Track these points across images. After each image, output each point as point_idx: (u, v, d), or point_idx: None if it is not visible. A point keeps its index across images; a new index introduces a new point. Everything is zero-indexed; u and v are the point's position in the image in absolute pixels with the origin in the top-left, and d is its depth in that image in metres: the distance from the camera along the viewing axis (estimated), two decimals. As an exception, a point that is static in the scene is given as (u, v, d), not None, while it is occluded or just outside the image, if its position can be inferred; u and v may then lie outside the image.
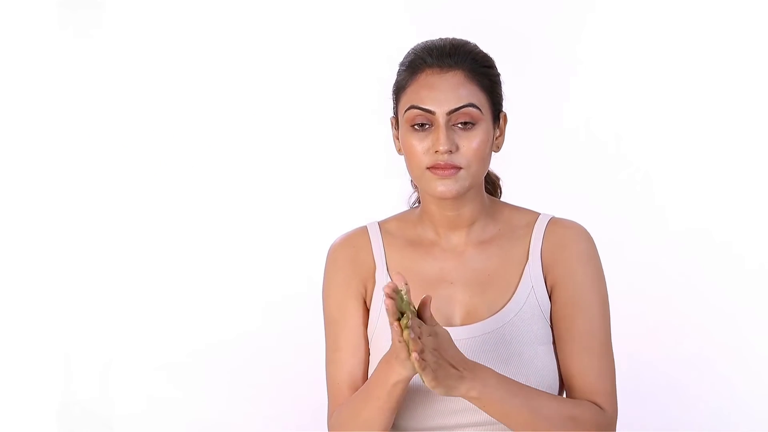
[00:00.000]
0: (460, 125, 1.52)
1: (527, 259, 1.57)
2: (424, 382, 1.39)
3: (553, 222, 1.59)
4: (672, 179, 2.56)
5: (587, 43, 2.60)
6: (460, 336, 1.52)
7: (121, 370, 2.65)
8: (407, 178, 1.64)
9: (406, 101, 1.54)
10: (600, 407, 1.51)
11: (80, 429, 2.63)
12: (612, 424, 1.50)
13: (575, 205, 2.10)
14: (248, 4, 2.66)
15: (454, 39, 1.56)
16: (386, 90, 1.62)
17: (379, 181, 2.43)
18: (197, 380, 2.64)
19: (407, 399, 1.52)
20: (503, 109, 1.58)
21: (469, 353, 1.50)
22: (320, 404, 1.68)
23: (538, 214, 1.61)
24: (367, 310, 1.60)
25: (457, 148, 1.51)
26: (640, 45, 2.58)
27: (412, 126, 1.53)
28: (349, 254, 1.61)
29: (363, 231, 1.63)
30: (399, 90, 1.56)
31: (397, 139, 1.58)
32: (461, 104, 1.51)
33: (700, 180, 2.56)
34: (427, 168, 1.52)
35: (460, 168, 1.51)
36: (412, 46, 1.58)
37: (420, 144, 1.52)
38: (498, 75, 1.57)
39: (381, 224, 1.64)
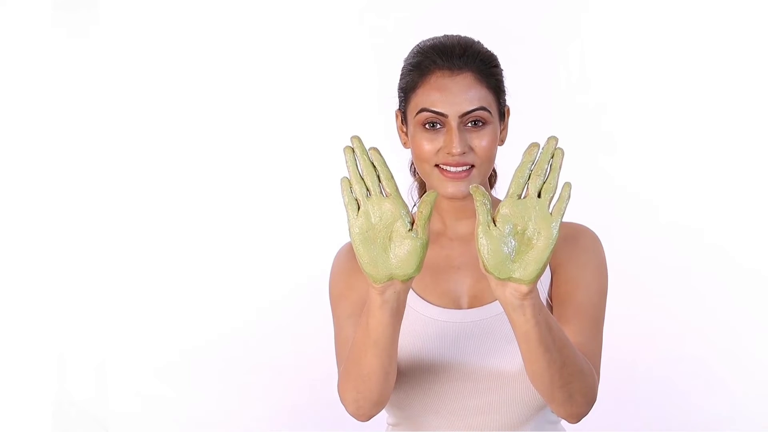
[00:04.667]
0: (470, 124, 1.53)
1: None
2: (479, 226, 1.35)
3: (561, 224, 1.57)
4: (669, 178, 2.56)
5: (581, 40, 2.60)
6: (468, 318, 1.54)
7: (116, 370, 2.63)
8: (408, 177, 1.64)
9: (416, 103, 1.55)
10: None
11: (75, 429, 2.62)
12: (595, 387, 1.49)
13: (571, 204, 2.11)
14: (244, 3, 2.66)
15: (460, 38, 1.57)
16: (387, 89, 1.63)
17: None
18: (192, 379, 2.62)
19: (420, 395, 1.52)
20: (507, 104, 1.59)
21: (476, 334, 1.53)
22: (316, 401, 1.68)
23: None
24: None
25: (470, 148, 1.52)
26: (634, 43, 2.58)
27: (423, 125, 1.54)
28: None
29: None
30: (408, 89, 1.57)
31: (403, 132, 1.59)
32: (473, 108, 1.52)
33: (697, 181, 2.55)
34: (437, 165, 1.53)
35: (473, 167, 1.52)
36: (417, 44, 1.58)
37: (431, 144, 1.53)
38: (502, 71, 1.58)
39: None
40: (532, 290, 1.36)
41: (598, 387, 1.50)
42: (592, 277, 1.56)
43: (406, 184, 1.64)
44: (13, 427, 2.58)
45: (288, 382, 2.56)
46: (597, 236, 1.60)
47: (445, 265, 1.59)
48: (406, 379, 1.54)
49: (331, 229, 1.89)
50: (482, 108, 1.52)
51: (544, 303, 1.53)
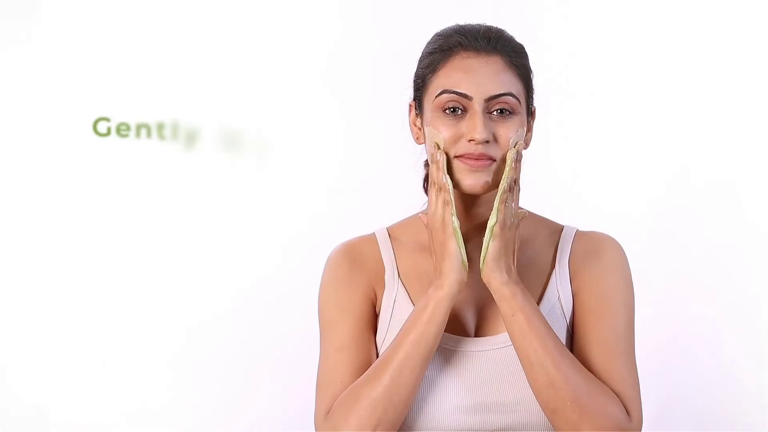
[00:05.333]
0: (496, 113, 1.42)
1: (552, 267, 1.51)
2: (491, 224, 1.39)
3: (581, 234, 1.53)
4: (670, 175, 2.56)
5: (578, 39, 2.60)
6: (481, 347, 1.47)
7: (115, 369, 2.61)
8: (408, 181, 1.60)
9: (437, 85, 1.43)
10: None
11: (74, 428, 2.61)
12: (621, 422, 1.41)
13: (571, 202, 2.11)
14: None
15: (489, 24, 1.47)
16: (383, 89, 1.61)
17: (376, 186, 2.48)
18: (192, 379, 2.60)
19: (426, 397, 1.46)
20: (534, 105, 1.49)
21: (489, 364, 1.46)
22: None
23: (562, 225, 1.55)
24: (374, 314, 1.52)
25: (494, 138, 1.41)
26: (626, 42, 2.57)
27: (443, 111, 1.43)
28: (353, 257, 1.52)
29: (370, 237, 1.56)
30: (427, 74, 1.45)
31: (416, 125, 1.49)
32: (501, 92, 1.41)
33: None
34: (456, 157, 1.42)
35: (494, 160, 1.41)
36: (435, 33, 1.48)
37: (449, 131, 1.42)
38: (531, 69, 1.48)
39: (389, 229, 1.56)
40: (491, 282, 1.41)
41: (636, 423, 1.41)
42: (618, 305, 1.47)
43: (406, 185, 1.62)
44: (12, 427, 2.58)
45: (290, 381, 2.54)
46: (621, 247, 1.51)
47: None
48: None
49: (331, 228, 1.87)
50: (511, 94, 1.41)
51: (564, 331, 1.48)
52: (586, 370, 1.41)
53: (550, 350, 1.39)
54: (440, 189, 1.43)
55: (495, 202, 1.41)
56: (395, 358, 1.41)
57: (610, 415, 1.39)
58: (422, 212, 1.51)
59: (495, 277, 1.42)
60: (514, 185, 1.42)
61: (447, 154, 1.43)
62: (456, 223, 1.42)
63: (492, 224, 1.41)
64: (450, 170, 1.43)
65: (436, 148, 1.44)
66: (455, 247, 1.42)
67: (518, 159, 1.43)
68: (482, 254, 1.42)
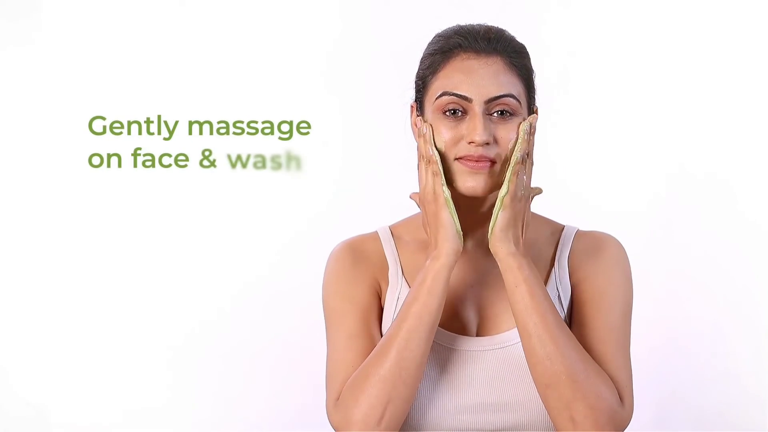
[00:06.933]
0: (496, 114, 1.42)
1: (552, 265, 1.51)
2: (502, 192, 1.39)
3: (582, 233, 1.54)
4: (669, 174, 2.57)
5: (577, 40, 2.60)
6: (482, 347, 1.47)
7: (114, 369, 2.62)
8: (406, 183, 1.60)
9: (437, 87, 1.43)
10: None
11: (71, 428, 2.60)
12: (626, 420, 1.41)
13: (570, 202, 2.10)
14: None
15: (489, 25, 1.47)
16: (383, 90, 1.60)
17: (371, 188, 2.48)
18: (191, 378, 2.60)
19: (427, 396, 1.45)
20: (536, 104, 1.49)
21: (491, 364, 1.45)
22: (321, 400, 1.65)
23: (563, 225, 1.55)
24: (380, 307, 1.51)
25: (495, 140, 1.41)
26: (626, 42, 2.57)
27: (443, 113, 1.43)
28: (356, 253, 1.52)
29: (373, 234, 1.55)
30: (427, 75, 1.45)
31: (417, 127, 1.47)
32: (501, 93, 1.40)
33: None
34: (456, 159, 1.42)
35: (495, 162, 1.41)
36: (436, 33, 1.49)
37: (450, 132, 1.42)
38: (533, 68, 1.48)
39: (391, 228, 1.56)
40: (498, 252, 1.40)
41: (627, 411, 1.42)
42: (615, 297, 1.47)
43: (406, 185, 1.62)
44: (12, 427, 2.57)
45: (290, 381, 2.55)
46: (621, 245, 1.52)
47: (456, 282, 1.50)
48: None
49: (331, 228, 1.86)
50: (511, 95, 1.41)
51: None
52: (583, 349, 1.41)
53: (549, 324, 1.39)
54: (429, 162, 1.43)
55: (507, 173, 1.41)
56: (399, 333, 1.41)
57: (603, 396, 1.39)
58: (414, 193, 1.50)
59: (502, 247, 1.42)
60: (527, 158, 1.43)
61: (447, 156, 1.43)
62: (447, 192, 1.42)
63: (503, 194, 1.41)
64: (450, 172, 1.44)
65: (422, 121, 1.46)
66: (448, 216, 1.42)
67: (531, 132, 1.43)
68: (491, 224, 1.42)
